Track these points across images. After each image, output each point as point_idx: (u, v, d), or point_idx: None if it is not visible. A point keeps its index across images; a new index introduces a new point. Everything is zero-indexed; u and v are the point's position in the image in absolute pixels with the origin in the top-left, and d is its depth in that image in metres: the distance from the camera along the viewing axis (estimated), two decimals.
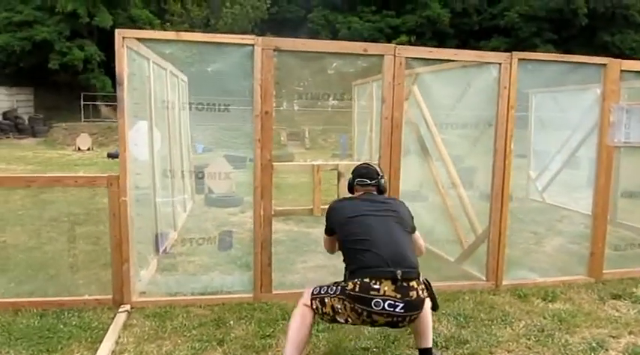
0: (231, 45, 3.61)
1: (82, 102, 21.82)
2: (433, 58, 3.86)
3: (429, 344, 2.69)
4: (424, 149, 5.39)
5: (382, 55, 3.75)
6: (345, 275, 2.68)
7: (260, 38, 3.52)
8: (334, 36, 26.60)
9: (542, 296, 4.04)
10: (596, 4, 24.98)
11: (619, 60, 4.30)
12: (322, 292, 2.65)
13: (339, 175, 6.07)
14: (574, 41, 25.38)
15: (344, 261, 2.73)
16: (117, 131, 3.52)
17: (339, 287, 2.59)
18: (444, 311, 3.64)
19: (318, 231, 3.53)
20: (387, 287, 2.43)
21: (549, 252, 5.34)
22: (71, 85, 22.65)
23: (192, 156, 7.46)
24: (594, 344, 3.20)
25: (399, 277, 2.43)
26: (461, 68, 4.50)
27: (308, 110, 18.13)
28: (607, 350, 3.16)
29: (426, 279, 2.68)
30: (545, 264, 4.87)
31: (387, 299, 2.42)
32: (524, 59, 4.07)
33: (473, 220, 4.55)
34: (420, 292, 2.52)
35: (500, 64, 4.01)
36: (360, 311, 2.48)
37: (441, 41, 25.96)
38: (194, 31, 23.18)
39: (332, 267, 4.28)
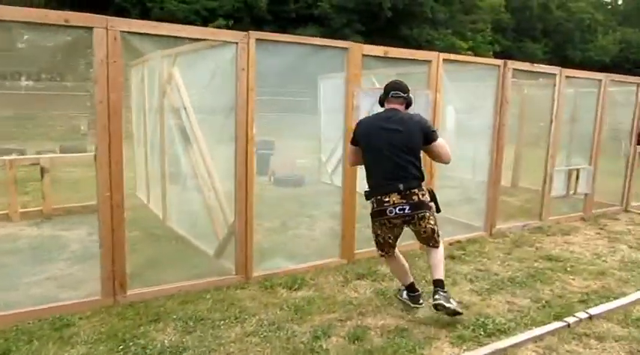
0: None
1: None
2: (157, 33, 3.43)
3: (442, 276, 3.42)
4: (185, 137, 5.02)
5: (91, 28, 3.21)
6: (367, 191, 3.44)
7: None
8: (147, 15, 24.71)
9: (289, 285, 3.96)
10: (395, 1, 27.22)
11: (360, 44, 4.39)
12: (374, 240, 3.56)
13: (43, 171, 5.34)
14: (380, 33, 27.33)
15: (366, 174, 3.48)
16: None
17: (371, 215, 3.44)
18: (174, 316, 3.32)
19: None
20: (394, 198, 3.28)
21: (316, 235, 5.41)
22: None
23: None
24: (320, 332, 3.15)
25: (401, 189, 3.26)
26: (210, 48, 4.19)
27: None
28: (329, 336, 3.13)
29: (431, 189, 3.49)
30: (308, 249, 4.89)
31: (397, 206, 3.27)
32: (262, 39, 3.89)
33: (225, 211, 4.29)
34: (421, 196, 3.31)
35: (237, 43, 3.77)
36: (382, 221, 3.36)
37: (259, 26, 25.81)
38: None
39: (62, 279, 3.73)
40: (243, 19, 26.86)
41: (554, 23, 38.19)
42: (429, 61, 4.77)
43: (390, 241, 3.48)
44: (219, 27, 24.35)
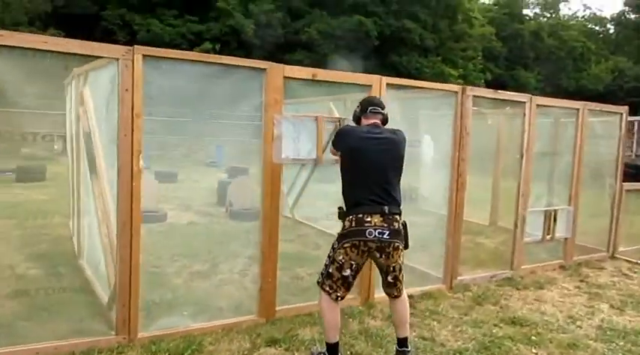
0: None
1: None
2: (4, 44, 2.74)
3: (407, 334, 3.24)
4: (92, 166, 4.31)
5: None
6: (343, 208, 3.16)
7: None
8: (132, 38, 24.31)
9: (179, 351, 3.18)
10: (383, 28, 26.95)
11: (282, 65, 3.70)
12: (324, 271, 3.15)
13: None
14: (369, 61, 26.98)
15: (342, 189, 3.20)
16: None
17: (337, 239, 3.11)
18: None
19: None
20: (376, 219, 2.99)
21: (246, 283, 4.63)
22: None
23: None
24: None
25: (386, 212, 3.00)
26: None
27: None
28: None
29: (404, 221, 3.14)
30: (225, 302, 4.10)
31: (377, 228, 2.98)
32: (152, 56, 3.20)
33: (108, 257, 3.54)
34: (400, 224, 3.07)
35: (118, 59, 3.07)
36: (357, 243, 3.01)
37: (247, 52, 25.46)
38: None
39: None
40: (230, 43, 26.52)
41: (546, 51, 38.09)
42: (369, 86, 4.08)
43: (351, 276, 3.09)
44: (205, 51, 23.95)
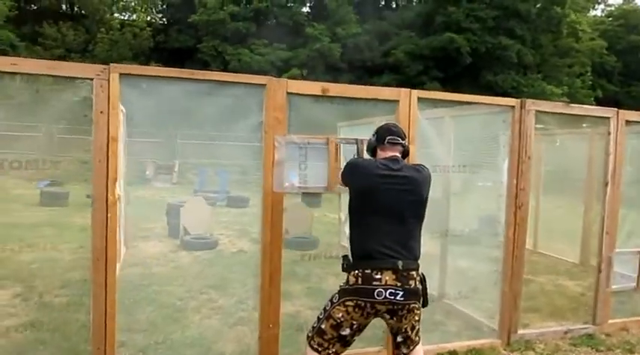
0: None
1: None
2: None
3: None
4: None
5: None
6: (348, 258, 2.61)
7: None
8: (225, 67, 25.50)
9: None
10: (477, 45, 25.62)
11: (284, 80, 3.25)
12: (315, 326, 2.64)
13: None
14: (461, 80, 25.78)
15: (349, 234, 2.67)
16: None
17: (338, 293, 2.59)
18: None
19: None
20: (387, 276, 2.47)
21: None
22: None
23: None
24: None
25: (400, 268, 2.47)
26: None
27: None
28: None
29: (422, 273, 2.61)
30: (233, 347, 3.66)
31: (388, 288, 2.46)
32: (129, 74, 2.91)
33: None
34: (417, 282, 2.53)
35: (92, 79, 2.82)
36: (363, 304, 2.50)
37: (334, 76, 25.56)
38: (71, 58, 21.31)
39: None
40: (317, 68, 26.79)
41: None
42: (394, 102, 3.48)
43: (350, 335, 2.57)
44: (293, 77, 24.39)
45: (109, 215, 2.86)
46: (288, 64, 26.57)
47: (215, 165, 15.21)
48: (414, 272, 2.53)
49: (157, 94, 2.94)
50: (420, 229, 2.66)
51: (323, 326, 2.59)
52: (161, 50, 26.20)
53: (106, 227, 2.87)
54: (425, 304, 2.63)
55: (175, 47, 27.27)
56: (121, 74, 2.84)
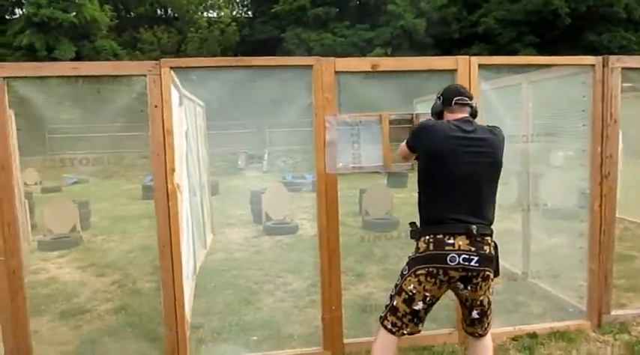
0: None
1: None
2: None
3: None
4: None
5: None
6: (416, 225, 2.54)
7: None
8: (309, 54, 25.76)
9: None
10: (576, 4, 23.36)
11: (332, 59, 3.16)
12: (388, 304, 2.54)
13: None
14: (558, 43, 23.74)
15: (419, 201, 2.56)
16: None
17: (407, 264, 2.50)
18: None
19: None
20: (461, 241, 2.36)
21: None
22: None
23: None
24: None
25: (474, 232, 2.35)
26: None
27: None
28: None
29: (495, 241, 2.47)
30: (303, 329, 3.71)
31: (461, 254, 2.35)
32: (181, 67, 3.01)
33: None
34: (492, 248, 2.42)
35: (145, 75, 2.96)
36: (435, 271, 2.39)
37: (420, 52, 24.76)
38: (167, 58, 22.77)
39: None
40: (401, 45, 26.13)
41: None
42: (453, 71, 3.26)
43: (423, 310, 2.46)
44: (377, 56, 23.95)
45: (170, 204, 3.01)
46: (372, 44, 26.18)
47: (297, 152, 15.49)
48: (488, 238, 2.40)
49: (208, 84, 3.01)
50: (495, 193, 2.52)
51: (395, 303, 2.49)
52: (247, 43, 27.05)
53: (169, 215, 3.02)
54: (496, 273, 2.47)
55: (261, 39, 27.98)
56: (172, 68, 2.95)
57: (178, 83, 3.79)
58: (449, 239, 2.36)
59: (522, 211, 4.46)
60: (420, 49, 25.46)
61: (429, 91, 3.45)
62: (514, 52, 22.38)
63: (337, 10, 27.34)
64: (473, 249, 2.34)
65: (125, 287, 4.84)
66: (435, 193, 2.48)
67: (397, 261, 5.36)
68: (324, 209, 3.18)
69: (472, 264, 2.33)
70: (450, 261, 2.34)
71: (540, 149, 4.05)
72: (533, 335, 3.42)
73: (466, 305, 2.50)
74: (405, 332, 2.49)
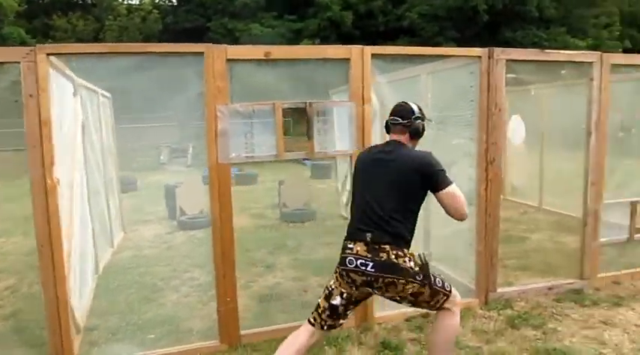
0: None
1: None
2: None
3: None
4: None
5: None
6: None
7: None
8: (236, 44, 25.33)
9: None
10: (494, 1, 24.57)
11: (223, 46, 3.11)
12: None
13: None
14: (478, 39, 24.84)
15: None
16: None
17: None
18: None
19: None
20: (359, 247, 2.51)
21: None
22: None
23: None
24: None
25: (368, 240, 2.49)
26: None
27: None
28: None
29: (422, 254, 2.55)
30: (204, 323, 3.65)
31: (358, 258, 2.50)
32: (58, 54, 2.84)
33: None
34: (393, 256, 2.46)
35: (19, 62, 2.76)
36: (341, 272, 2.56)
37: (347, 43, 25.01)
38: None
39: None
40: (329, 37, 26.30)
41: None
42: (345, 61, 3.31)
43: (341, 305, 2.58)
44: None
45: (49, 200, 2.84)
46: (300, 35, 26.18)
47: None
48: (386, 246, 2.46)
49: (91, 72, 2.86)
50: (406, 209, 2.53)
51: (319, 300, 2.64)
52: (171, 32, 26.18)
53: (47, 212, 2.85)
54: (425, 279, 2.49)
55: (186, 28, 27.14)
56: (48, 54, 2.78)
57: (71, 73, 3.60)
58: (350, 244, 2.54)
59: None
60: (347, 41, 25.74)
61: (323, 81, 3.50)
62: (437, 46, 23.22)
63: (265, 0, 27.04)
64: (369, 255, 2.46)
65: (18, 292, 4.54)
66: (352, 205, 2.71)
67: (309, 251, 5.46)
68: (217, 200, 3.13)
69: (368, 269, 2.46)
70: (349, 263, 2.51)
71: (439, 138, 4.20)
72: (426, 315, 3.56)
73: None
74: (325, 325, 2.60)
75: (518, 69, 3.88)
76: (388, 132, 2.75)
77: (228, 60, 3.08)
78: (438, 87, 4.34)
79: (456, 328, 2.65)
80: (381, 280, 2.46)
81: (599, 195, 4.11)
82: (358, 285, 2.52)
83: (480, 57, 3.69)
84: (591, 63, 4.03)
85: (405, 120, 2.64)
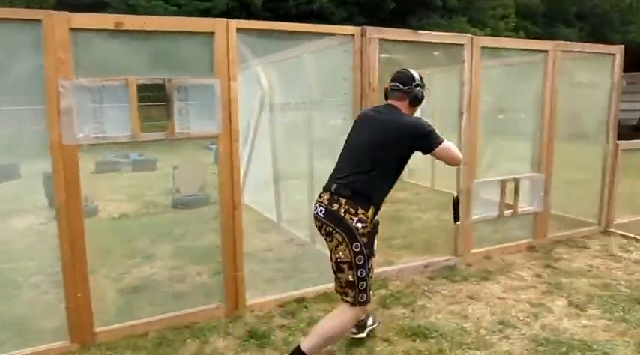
0: None
1: None
2: None
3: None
4: None
5: None
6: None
7: None
8: None
9: None
10: None
11: (65, 13, 2.77)
12: None
13: None
14: (386, 26, 25.42)
15: None
16: None
17: None
18: None
19: None
20: (325, 196, 2.61)
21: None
22: None
23: None
24: None
25: (332, 190, 2.58)
26: None
27: None
28: None
29: (377, 221, 2.64)
30: (60, 322, 3.33)
31: (320, 205, 2.61)
32: None
33: None
34: (343, 210, 2.51)
35: None
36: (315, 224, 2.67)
37: None
38: None
39: None
40: (239, 18, 25.50)
41: (589, 5, 34.79)
42: (209, 34, 3.10)
43: (331, 263, 2.66)
44: None
45: None
46: (208, 15, 25.23)
47: None
48: (343, 199, 2.53)
49: None
50: (377, 168, 2.56)
51: None
52: (67, 5, 24.07)
53: None
54: (352, 241, 2.50)
55: (85, 3, 25.08)
56: None
57: None
58: (322, 193, 2.66)
59: (308, 179, 4.59)
60: None
61: (185, 56, 3.26)
62: None
63: None
64: (326, 203, 2.57)
65: None
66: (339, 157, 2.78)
67: (195, 237, 5.21)
68: (62, 186, 2.83)
69: (320, 213, 2.58)
70: (314, 209, 2.64)
71: (317, 117, 4.14)
72: (300, 300, 3.50)
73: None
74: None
75: (392, 49, 3.89)
76: (387, 98, 2.79)
77: (73, 29, 2.75)
78: (318, 66, 4.27)
79: (345, 326, 2.61)
80: (325, 227, 2.56)
81: (472, 174, 4.26)
82: (319, 232, 2.65)
83: (353, 35, 3.64)
84: (462, 45, 4.14)
85: (405, 86, 2.69)
